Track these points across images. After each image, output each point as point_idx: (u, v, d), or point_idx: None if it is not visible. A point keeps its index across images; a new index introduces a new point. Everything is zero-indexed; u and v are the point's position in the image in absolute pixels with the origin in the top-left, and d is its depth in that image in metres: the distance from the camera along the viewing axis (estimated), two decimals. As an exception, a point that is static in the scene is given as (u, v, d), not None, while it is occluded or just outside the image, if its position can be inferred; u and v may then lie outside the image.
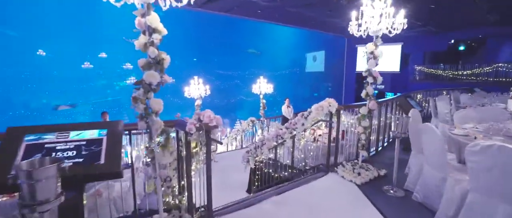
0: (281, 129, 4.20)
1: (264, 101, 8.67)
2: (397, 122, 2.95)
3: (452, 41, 15.00)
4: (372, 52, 3.46)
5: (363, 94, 3.62)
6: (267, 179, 4.80)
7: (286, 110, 9.48)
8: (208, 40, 25.62)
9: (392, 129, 3.07)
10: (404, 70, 16.47)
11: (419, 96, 9.35)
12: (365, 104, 3.90)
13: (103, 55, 22.04)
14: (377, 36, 3.42)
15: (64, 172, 1.32)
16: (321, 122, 7.81)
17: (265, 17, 13.00)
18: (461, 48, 16.10)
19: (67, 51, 20.10)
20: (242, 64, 26.39)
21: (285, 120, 9.47)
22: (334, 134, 3.99)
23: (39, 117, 18.77)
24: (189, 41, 24.90)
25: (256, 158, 4.89)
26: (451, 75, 14.22)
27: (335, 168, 3.78)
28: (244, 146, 10.20)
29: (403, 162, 4.28)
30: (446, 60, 14.76)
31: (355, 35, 3.50)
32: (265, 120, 8.84)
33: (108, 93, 21.50)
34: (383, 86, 19.09)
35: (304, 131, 3.98)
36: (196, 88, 6.86)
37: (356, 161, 3.93)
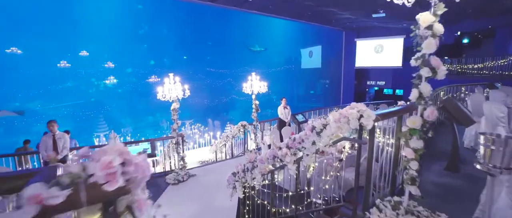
0: (280, 148, 2.92)
1: (257, 102, 7.37)
2: (491, 147, 1.63)
3: (459, 33, 13.92)
4: (430, 28, 2.14)
5: (413, 96, 2.28)
6: (261, 214, 3.52)
7: (282, 111, 8.19)
8: (198, 37, 24.24)
9: (481, 156, 1.74)
10: (406, 65, 15.37)
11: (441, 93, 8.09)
12: (407, 110, 2.64)
13: (85, 53, 20.52)
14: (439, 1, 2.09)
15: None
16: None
17: (257, 8, 11.68)
18: (466, 40, 15.07)
19: (45, 49, 18.52)
20: (235, 62, 25.11)
21: (281, 123, 8.19)
22: (361, 157, 2.70)
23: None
24: (179, 39, 23.51)
25: (246, 184, 3.62)
26: (459, 70, 13.14)
27: (367, 214, 2.47)
28: (235, 153, 8.91)
29: (451, 190, 3.02)
30: (453, 53, 13.67)
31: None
32: (259, 124, 7.55)
33: (90, 93, 20.01)
34: (383, 83, 18.00)
35: (317, 151, 2.70)
36: (173, 89, 5.53)
37: (397, 198, 2.56)
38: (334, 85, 21.54)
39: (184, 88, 5.77)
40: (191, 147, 11.56)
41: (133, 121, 19.22)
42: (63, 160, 5.02)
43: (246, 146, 7.94)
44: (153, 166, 6.91)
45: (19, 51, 18.61)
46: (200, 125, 14.77)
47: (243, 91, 7.26)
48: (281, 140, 7.19)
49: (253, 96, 7.37)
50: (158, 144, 7.18)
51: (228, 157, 8.36)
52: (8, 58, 18.24)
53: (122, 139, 12.07)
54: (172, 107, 5.71)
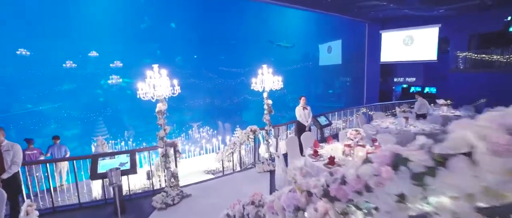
0: (310, 194, 1.48)
1: (270, 102, 5.93)
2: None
3: (510, 18, 11.80)
4: None
5: None
6: None
7: (301, 112, 6.69)
8: (208, 35, 23.10)
9: None
10: (441, 58, 13.40)
11: None
12: None
13: (94, 54, 19.94)
14: None
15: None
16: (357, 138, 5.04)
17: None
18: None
19: (52, 50, 18.03)
20: (247, 60, 23.73)
21: (300, 127, 6.68)
22: None
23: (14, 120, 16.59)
24: (190, 37, 22.49)
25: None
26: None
27: None
28: (246, 160, 7.49)
29: None
30: (501, 42, 11.56)
31: None
32: (272, 129, 6.09)
33: (97, 94, 19.38)
34: (413, 79, 16.00)
35: None
36: (158, 85, 4.19)
37: None
38: (356, 84, 19.67)
39: (173, 84, 4.41)
40: (197, 153, 10.28)
41: (141, 124, 18.35)
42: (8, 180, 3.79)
43: (256, 155, 6.49)
44: (149, 179, 5.64)
45: (27, 52, 18.19)
46: (208, 127, 13.50)
47: (252, 88, 5.83)
48: (301, 150, 5.69)
49: (265, 95, 5.93)
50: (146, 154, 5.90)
51: (236, 168, 6.96)
52: (18, 60, 17.86)
53: (123, 143, 11.06)
54: (157, 109, 4.37)
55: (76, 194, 5.71)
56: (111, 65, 18.96)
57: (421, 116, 8.35)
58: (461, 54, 12.65)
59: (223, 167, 7.60)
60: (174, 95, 4.40)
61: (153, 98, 4.25)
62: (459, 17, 12.56)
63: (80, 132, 17.56)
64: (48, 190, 4.51)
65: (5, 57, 17.38)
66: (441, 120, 7.36)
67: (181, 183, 5.05)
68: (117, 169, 3.62)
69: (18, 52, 18.05)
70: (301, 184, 1.56)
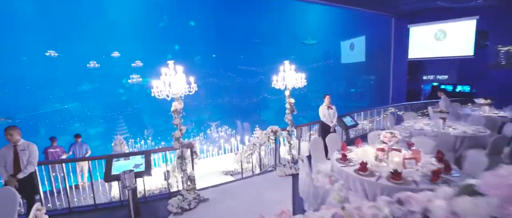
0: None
1: (292, 100, 5.54)
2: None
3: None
4: None
5: None
6: None
7: (325, 112, 6.23)
8: (228, 33, 22.94)
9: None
10: (479, 54, 12.28)
11: None
12: None
13: (116, 54, 20.47)
14: None
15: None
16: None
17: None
18: None
19: (79, 52, 18.72)
20: (266, 58, 23.35)
21: (325, 128, 6.23)
22: None
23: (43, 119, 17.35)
24: (209, 36, 22.46)
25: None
26: None
27: None
28: (266, 162, 7.14)
29: None
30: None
31: None
32: (294, 129, 5.69)
33: (120, 93, 19.88)
34: (446, 77, 14.87)
35: None
36: (173, 82, 3.94)
37: None
38: (380, 82, 18.69)
39: (189, 81, 4.14)
40: (216, 153, 10.08)
41: (160, 123, 18.55)
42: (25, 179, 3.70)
43: (277, 157, 6.12)
44: (167, 179, 5.45)
45: (55, 53, 18.98)
46: (227, 127, 13.29)
47: (273, 86, 5.46)
48: (326, 152, 5.25)
49: (287, 93, 5.54)
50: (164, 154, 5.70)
51: (255, 171, 6.63)
52: (47, 61, 18.68)
53: (143, 142, 11.12)
54: (172, 108, 4.13)
55: (100, 194, 5.69)
56: (132, 65, 19.36)
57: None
58: (503, 48, 11.51)
59: (242, 169, 7.31)
60: (191, 93, 4.13)
61: (168, 97, 4.01)
62: (501, 8, 11.42)
63: (103, 130, 18.08)
64: (65, 189, 4.41)
65: (36, 59, 18.24)
66: (484, 120, 6.60)
67: (199, 185, 4.79)
68: (130, 171, 3.40)
69: (47, 54, 18.86)
70: (351, 214, 1.13)
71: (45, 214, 3.89)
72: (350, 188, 3.68)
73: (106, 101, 19.09)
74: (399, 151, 4.00)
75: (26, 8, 17.29)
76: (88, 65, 18.62)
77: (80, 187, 6.79)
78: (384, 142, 4.31)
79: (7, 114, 15.27)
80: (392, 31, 15.53)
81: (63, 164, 4.45)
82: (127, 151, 7.73)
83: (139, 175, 3.88)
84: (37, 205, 2.77)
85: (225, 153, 10.21)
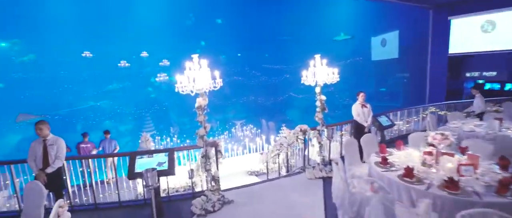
0: None
1: (324, 98, 5.13)
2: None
3: None
4: None
5: None
6: None
7: (359, 111, 5.73)
8: (252, 31, 22.74)
9: None
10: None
11: None
12: None
13: (145, 54, 21.18)
14: None
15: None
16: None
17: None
18: None
19: (110, 52, 19.62)
20: (292, 56, 22.81)
21: (358, 128, 5.73)
22: None
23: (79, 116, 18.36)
24: (235, 33, 22.39)
25: None
26: None
27: None
28: (293, 163, 6.79)
29: None
30: None
31: None
32: (325, 129, 5.27)
33: (148, 91, 20.53)
34: (494, 73, 13.46)
35: None
36: (198, 77, 3.74)
37: None
38: (415, 80, 17.41)
39: (214, 76, 3.91)
40: (240, 153, 9.88)
41: (186, 121, 18.84)
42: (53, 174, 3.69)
43: (306, 158, 5.73)
44: (191, 178, 5.32)
45: (90, 54, 20.05)
46: (252, 126, 13.07)
47: (302, 82, 5.09)
48: (361, 155, 4.79)
49: (318, 90, 5.14)
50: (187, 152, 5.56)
51: (282, 172, 6.29)
52: (82, 61, 19.78)
53: (169, 140, 11.25)
54: (197, 105, 3.93)
55: (124, 189, 5.70)
56: (159, 64, 19.87)
57: (479, 116, 6.94)
58: None
59: (267, 170, 7.02)
60: (216, 88, 3.90)
61: (192, 92, 3.81)
62: None
63: (132, 127, 18.75)
64: (91, 184, 4.40)
65: (74, 59, 19.41)
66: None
67: (223, 186, 4.57)
68: (153, 169, 3.23)
69: (83, 55, 19.98)
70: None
71: (68, 211, 3.92)
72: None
73: (135, 99, 19.80)
74: (451, 155, 3.47)
75: (65, 13, 18.38)
76: (119, 64, 19.43)
77: (110, 182, 6.90)
78: (431, 145, 3.79)
79: (46, 111, 16.34)
80: (430, 24, 14.32)
81: (90, 160, 4.44)
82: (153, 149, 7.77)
83: (162, 173, 3.72)
84: (59, 201, 2.69)
85: (250, 152, 9.98)
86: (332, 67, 4.94)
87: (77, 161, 4.83)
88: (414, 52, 16.63)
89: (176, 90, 3.77)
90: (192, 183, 4.66)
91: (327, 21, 22.05)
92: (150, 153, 4.01)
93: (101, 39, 19.34)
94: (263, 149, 9.55)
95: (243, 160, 9.08)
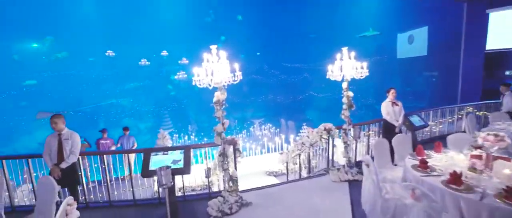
0: None
1: (351, 94, 4.72)
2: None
3: None
4: None
5: None
6: None
7: (389, 109, 5.26)
8: (272, 30, 22.40)
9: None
10: None
11: None
12: None
13: (165, 53, 21.48)
14: None
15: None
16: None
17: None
18: None
19: (132, 51, 20.07)
20: (312, 55, 22.22)
21: (388, 128, 5.26)
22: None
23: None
24: (254, 30, 22.10)
25: None
26: None
27: None
28: (314, 165, 6.41)
29: None
30: None
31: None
32: (352, 128, 4.86)
33: (168, 89, 20.81)
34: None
35: None
36: (216, 70, 3.49)
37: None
38: (445, 79, 16.31)
39: (234, 68, 3.64)
40: (258, 152, 9.60)
41: (205, 119, 18.83)
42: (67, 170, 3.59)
43: (330, 159, 5.33)
44: (208, 177, 5.12)
45: (113, 53, 20.61)
46: (271, 125, 12.76)
47: (328, 77, 4.70)
48: (392, 157, 4.34)
49: (345, 85, 4.73)
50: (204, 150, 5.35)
51: (303, 173, 5.94)
52: (106, 59, 20.39)
53: (186, 138, 11.20)
54: (215, 99, 3.68)
55: (139, 187, 5.60)
56: (179, 62, 20.03)
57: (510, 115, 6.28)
58: None
59: (287, 170, 6.69)
60: (235, 82, 3.63)
61: (210, 86, 3.56)
62: None
63: (152, 125, 19.03)
64: (106, 181, 4.28)
65: (98, 58, 20.06)
66: None
67: (241, 186, 4.30)
68: (167, 167, 3.01)
69: (106, 54, 20.60)
70: None
71: (82, 207, 3.81)
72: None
73: (155, 97, 20.12)
74: (508, 159, 2.97)
75: (91, 13, 19.00)
76: (139, 63, 19.84)
77: (126, 178, 6.87)
78: (477, 148, 3.31)
79: (69, 108, 16.95)
80: (464, 18, 13.29)
81: (105, 156, 4.33)
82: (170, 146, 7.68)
83: (177, 172, 3.51)
84: (68, 199, 2.53)
85: (268, 152, 9.68)
86: (362, 60, 4.52)
87: (92, 157, 4.76)
88: (445, 49, 15.54)
89: (193, 83, 3.54)
90: (209, 182, 4.42)
91: (349, 18, 21.21)
92: (165, 150, 3.81)
93: (123, 38, 19.80)
94: (282, 149, 9.21)
95: (262, 159, 8.80)
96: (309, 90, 21.87)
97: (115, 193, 5.03)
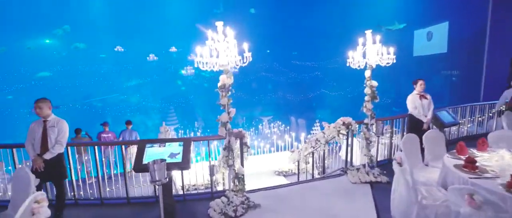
0: None
1: (375, 84, 4.15)
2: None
3: None
4: None
5: None
6: None
7: (417, 102, 4.66)
8: (282, 26, 21.82)
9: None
10: None
11: None
12: None
13: (173, 49, 21.25)
14: None
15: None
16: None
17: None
18: None
19: (140, 47, 19.94)
20: (323, 53, 21.54)
21: (415, 125, 4.65)
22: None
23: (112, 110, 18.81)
24: (261, 30, 21.58)
25: None
26: None
27: None
28: (328, 165, 5.83)
29: None
30: None
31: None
32: (375, 123, 4.28)
33: (176, 85, 20.58)
34: None
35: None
36: (222, 50, 2.99)
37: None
38: (466, 78, 15.42)
39: (243, 49, 3.14)
40: (267, 151, 9.09)
41: (212, 116, 18.43)
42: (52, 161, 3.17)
43: (348, 157, 4.74)
44: (212, 175, 4.67)
45: (122, 48, 20.53)
46: (280, 123, 12.23)
47: (348, 65, 4.15)
48: (422, 156, 3.76)
49: (368, 73, 4.16)
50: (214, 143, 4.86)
51: (317, 174, 5.39)
52: (115, 55, 20.33)
53: (192, 134, 10.79)
54: (220, 83, 3.18)
55: (140, 184, 5.17)
56: (188, 58, 19.74)
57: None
58: None
59: (298, 170, 6.15)
60: (244, 64, 3.12)
61: (214, 68, 3.07)
62: None
63: (159, 121, 18.78)
64: (97, 178, 3.84)
65: (107, 53, 20.03)
66: None
67: (248, 186, 3.79)
68: (161, 161, 2.54)
69: (115, 49, 20.52)
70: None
71: (64, 206, 3.36)
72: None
73: (162, 92, 19.91)
74: None
75: (100, 9, 18.95)
76: (147, 58, 19.71)
77: (127, 175, 6.47)
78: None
79: (75, 101, 16.91)
80: (489, 12, 12.46)
81: (104, 150, 3.89)
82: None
83: (174, 166, 3.02)
84: (36, 195, 2.07)
85: (277, 150, 9.14)
86: (390, 45, 3.95)
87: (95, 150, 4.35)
88: (467, 46, 14.63)
89: (195, 65, 3.06)
90: (212, 180, 3.94)
91: (362, 15, 20.38)
92: (162, 141, 3.34)
93: (132, 34, 19.70)
94: (292, 147, 8.66)
95: (270, 158, 8.28)
96: (320, 88, 21.19)
97: (108, 189, 4.58)
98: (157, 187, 2.71)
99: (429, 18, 16.45)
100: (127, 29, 19.55)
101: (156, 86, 19.74)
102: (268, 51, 23.18)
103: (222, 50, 3.10)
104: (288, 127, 11.40)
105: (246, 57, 3.13)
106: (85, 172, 6.09)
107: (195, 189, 5.50)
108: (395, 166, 2.88)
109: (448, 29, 15.15)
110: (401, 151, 3.67)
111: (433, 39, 15.83)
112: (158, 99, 19.83)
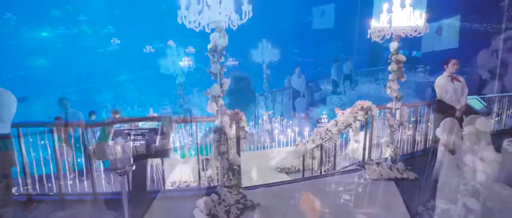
0: None
1: (402, 58, 3.41)
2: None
3: None
4: None
5: None
6: None
7: (448, 86, 3.92)
8: (284, 20, 21.35)
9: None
10: None
11: None
12: None
13: (171, 43, 20.75)
14: None
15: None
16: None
17: None
18: None
19: (137, 40, 19.55)
20: (325, 50, 21.28)
21: (445, 111, 3.89)
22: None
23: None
24: (265, 24, 21.08)
25: None
26: None
27: None
28: (340, 160, 5.09)
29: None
30: None
31: None
32: (400, 108, 3.53)
33: (173, 77, 20.25)
34: None
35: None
36: (213, 4, 2.24)
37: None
38: (478, 74, 14.68)
39: (241, 1, 2.38)
40: (268, 146, 8.37)
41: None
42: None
43: (367, 149, 3.97)
44: (203, 170, 3.98)
45: (118, 41, 20.18)
46: (282, 117, 11.51)
47: (369, 37, 3.41)
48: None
49: (394, 45, 3.41)
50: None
51: (325, 169, 4.64)
52: (112, 47, 19.94)
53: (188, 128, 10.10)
54: (210, 44, 2.44)
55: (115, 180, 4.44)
56: (186, 50, 19.19)
57: None
58: None
59: (303, 166, 5.41)
60: (242, 22, 2.38)
61: (202, 26, 2.33)
62: None
63: (154, 112, 18.31)
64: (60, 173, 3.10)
65: (105, 46, 19.63)
66: None
67: (245, 182, 3.06)
68: (125, 142, 1.81)
69: (111, 41, 20.14)
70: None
71: (25, 200, 2.63)
72: None
73: (158, 85, 19.45)
74: None
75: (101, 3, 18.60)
76: (144, 50, 19.36)
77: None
78: None
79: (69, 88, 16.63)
80: (506, 2, 11.77)
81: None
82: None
83: (149, 154, 2.27)
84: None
85: (279, 145, 8.40)
86: (420, 9, 3.20)
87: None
88: (480, 40, 13.88)
89: (179, 21, 2.32)
90: (200, 175, 3.20)
91: (364, 12, 19.74)
92: (133, 121, 2.56)
93: (129, 27, 19.35)
94: (295, 142, 7.91)
95: (271, 154, 7.54)
96: (323, 84, 20.58)
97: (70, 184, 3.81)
98: (120, 177, 1.97)
99: (439, 12, 15.69)
100: (123, 22, 19.21)
101: (152, 79, 19.26)
102: (270, 47, 22.60)
103: (214, 2, 2.36)
104: (290, 121, 10.62)
105: (245, 12, 2.39)
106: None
107: (187, 186, 4.75)
108: (441, 151, 2.16)
109: (459, 23, 14.42)
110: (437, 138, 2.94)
111: (443, 34, 15.08)
112: (153, 92, 19.44)
